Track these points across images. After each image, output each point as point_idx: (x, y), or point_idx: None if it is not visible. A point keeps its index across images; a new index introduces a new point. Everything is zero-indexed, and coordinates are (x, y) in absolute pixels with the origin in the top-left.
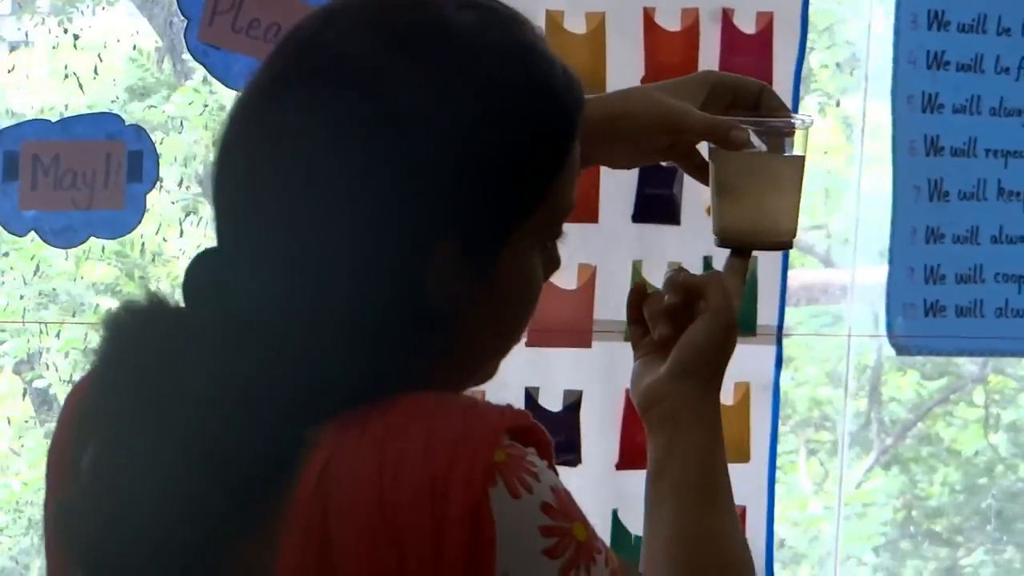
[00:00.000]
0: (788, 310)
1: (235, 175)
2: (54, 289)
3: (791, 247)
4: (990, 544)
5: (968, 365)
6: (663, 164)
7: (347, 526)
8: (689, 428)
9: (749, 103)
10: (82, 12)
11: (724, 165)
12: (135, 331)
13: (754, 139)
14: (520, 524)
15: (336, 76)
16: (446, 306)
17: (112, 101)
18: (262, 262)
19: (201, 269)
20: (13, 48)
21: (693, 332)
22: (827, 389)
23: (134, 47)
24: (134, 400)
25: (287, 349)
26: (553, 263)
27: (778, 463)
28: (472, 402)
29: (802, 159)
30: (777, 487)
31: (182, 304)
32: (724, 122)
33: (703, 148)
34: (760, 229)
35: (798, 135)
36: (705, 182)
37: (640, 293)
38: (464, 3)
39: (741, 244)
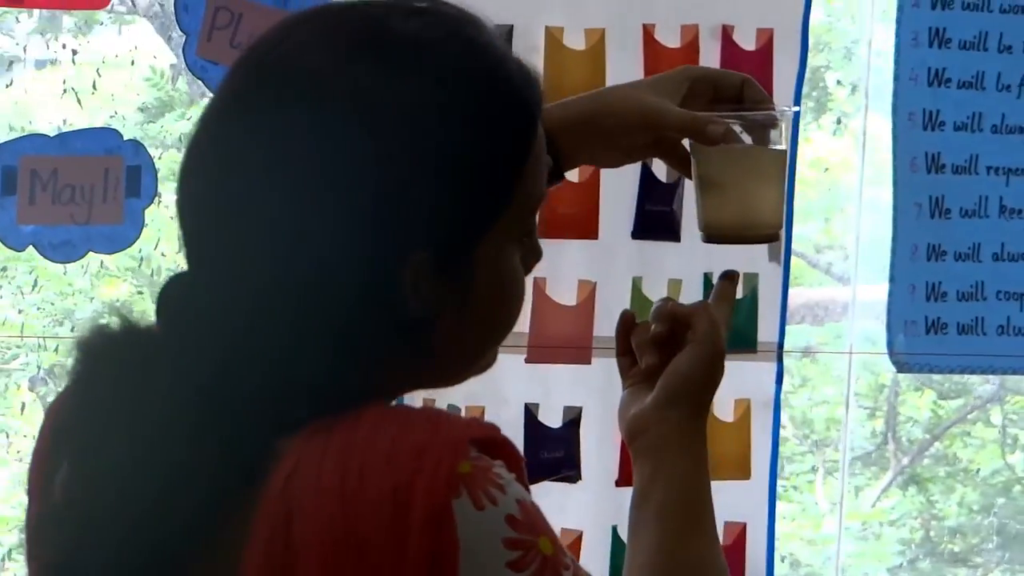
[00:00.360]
0: (810, 329)
1: (201, 194)
2: (52, 304)
3: (776, 239)
4: (1007, 564)
5: (985, 385)
6: (662, 180)
7: (310, 536)
8: (673, 456)
9: (732, 96)
10: (83, 31)
11: (705, 160)
12: (107, 351)
13: (739, 132)
14: (484, 536)
15: (296, 92)
16: (424, 314)
17: (111, 116)
18: (232, 279)
19: (173, 291)
20: (39, 67)
21: (679, 362)
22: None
23: (132, 62)
24: (105, 418)
25: (260, 365)
26: (534, 254)
27: (795, 483)
28: (438, 414)
29: (784, 151)
30: (793, 506)
31: (155, 327)
32: (700, 117)
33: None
34: (744, 223)
35: (780, 127)
36: (691, 177)
37: (628, 323)
38: (414, 10)
39: (726, 239)
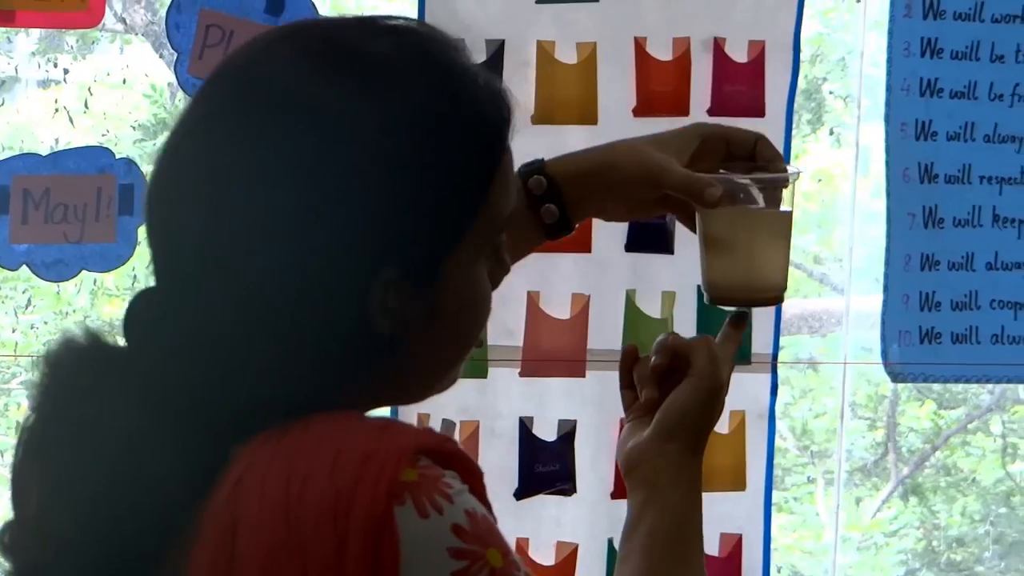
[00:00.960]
0: (810, 340)
1: (170, 209)
2: (47, 323)
3: (781, 302)
4: (1011, 574)
5: (984, 395)
6: None
7: (253, 542)
8: (666, 488)
9: (744, 154)
10: (82, 51)
11: (710, 220)
12: (74, 366)
13: (755, 193)
14: (428, 544)
15: (265, 110)
16: (392, 330)
17: (103, 135)
18: (199, 295)
19: (141, 306)
20: (43, 86)
21: (676, 395)
22: (846, 420)
23: (124, 80)
24: (71, 432)
25: (227, 380)
26: (502, 268)
27: (795, 494)
28: (388, 422)
29: (790, 213)
30: (794, 518)
31: (122, 342)
32: (699, 180)
33: None
34: (750, 286)
35: (791, 188)
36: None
37: (631, 357)
38: (386, 29)
39: (730, 301)
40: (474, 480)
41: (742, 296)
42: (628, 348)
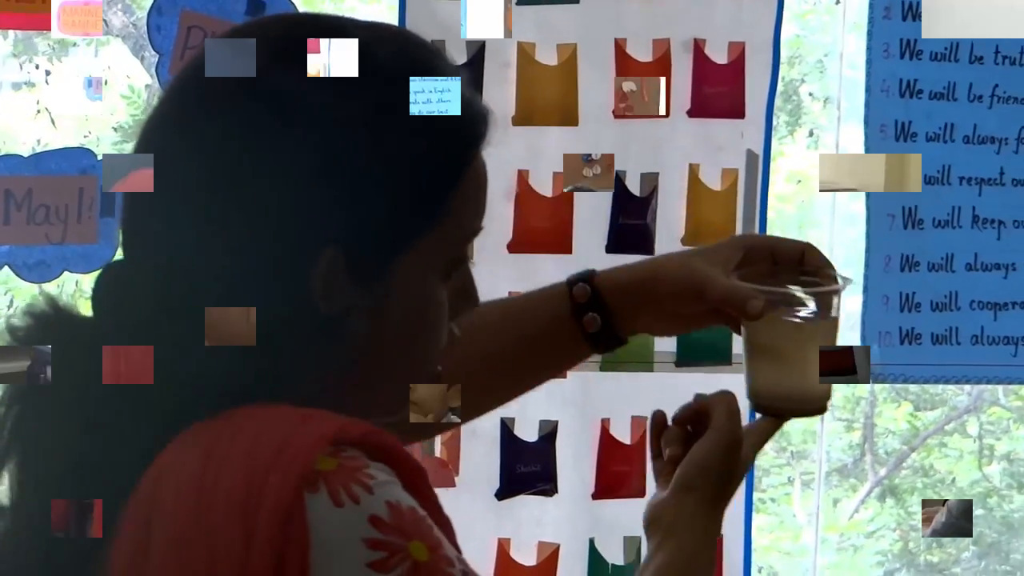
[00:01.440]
0: None
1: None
2: None
3: (824, 411)
4: (985, 575)
5: (961, 396)
6: (636, 194)
7: (167, 531)
8: (680, 532)
9: (793, 261)
10: (59, 53)
11: (756, 331)
12: (40, 333)
13: (803, 298)
14: (341, 534)
15: (224, 89)
16: (333, 313)
17: (85, 137)
18: (159, 270)
19: (107, 280)
20: (16, 88)
21: (696, 449)
22: (825, 421)
23: (106, 82)
24: (36, 406)
25: (181, 354)
26: (467, 300)
27: (773, 495)
28: (312, 412)
29: (835, 322)
30: (771, 519)
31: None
32: (741, 291)
33: None
34: (793, 396)
35: (839, 295)
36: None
37: (660, 424)
38: (363, 25)
39: (775, 411)
40: (412, 475)
41: (787, 406)
42: (656, 414)
